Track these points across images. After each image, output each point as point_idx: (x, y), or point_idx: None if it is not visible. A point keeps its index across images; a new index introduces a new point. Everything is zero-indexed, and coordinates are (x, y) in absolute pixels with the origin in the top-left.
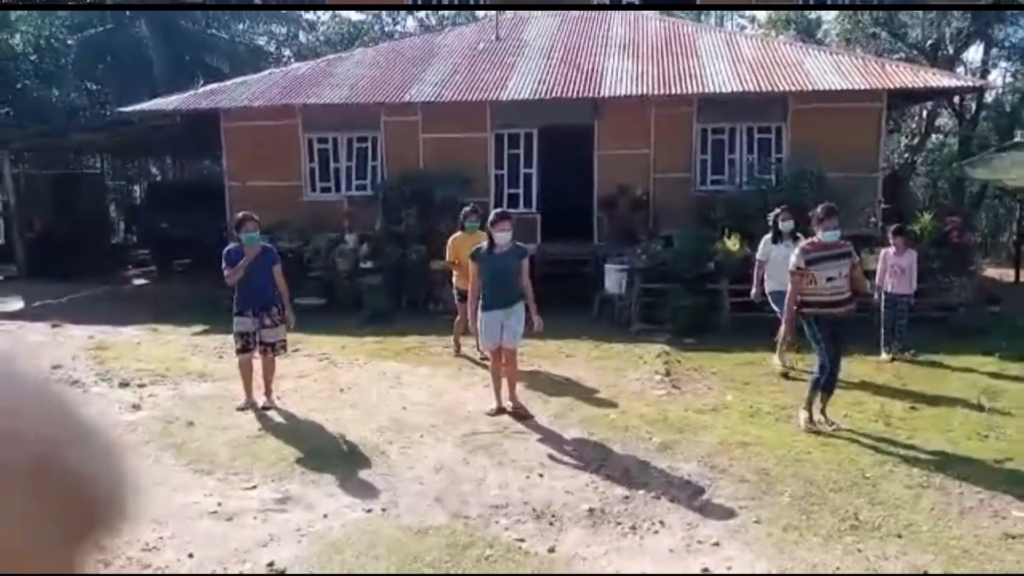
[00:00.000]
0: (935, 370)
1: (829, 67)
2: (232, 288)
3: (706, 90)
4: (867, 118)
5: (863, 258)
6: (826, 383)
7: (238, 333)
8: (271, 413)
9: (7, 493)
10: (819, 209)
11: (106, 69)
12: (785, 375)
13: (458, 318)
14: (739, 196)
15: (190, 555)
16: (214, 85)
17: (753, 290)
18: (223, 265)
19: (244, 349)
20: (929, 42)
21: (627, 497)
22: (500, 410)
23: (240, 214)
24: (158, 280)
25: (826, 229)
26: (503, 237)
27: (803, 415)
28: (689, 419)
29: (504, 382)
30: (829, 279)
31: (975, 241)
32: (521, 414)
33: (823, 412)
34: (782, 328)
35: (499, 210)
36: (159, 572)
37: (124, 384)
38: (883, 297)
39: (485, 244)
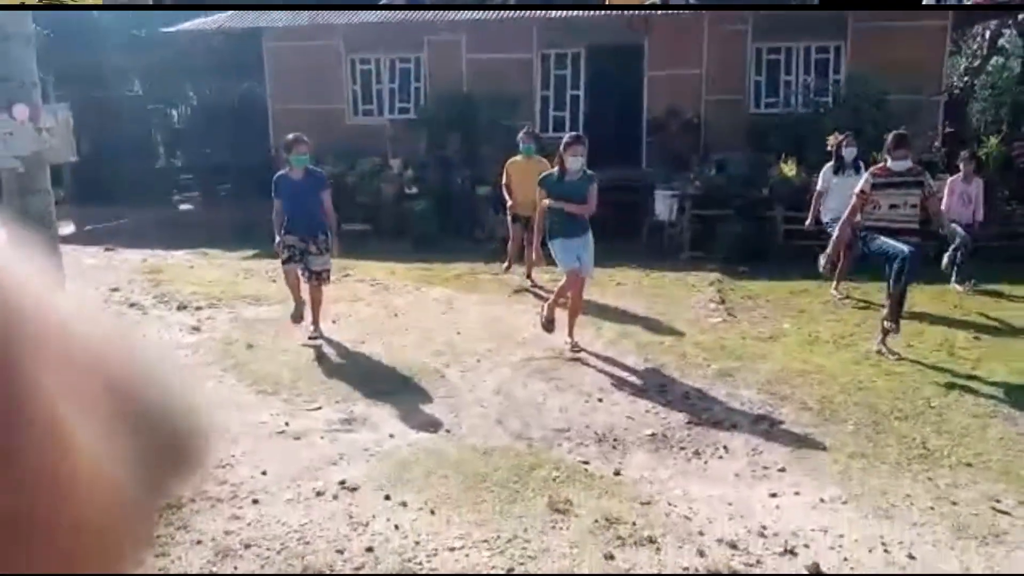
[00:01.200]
0: (998, 299)
1: None
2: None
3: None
4: (930, 37)
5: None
6: (895, 285)
7: (285, 245)
8: (329, 336)
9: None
10: (890, 137)
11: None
12: (845, 299)
13: (512, 240)
14: (795, 119)
15: (263, 472)
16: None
17: (808, 220)
18: (273, 193)
19: (289, 259)
20: None
21: (689, 423)
22: (550, 322)
23: (291, 136)
24: (202, 205)
25: (897, 158)
26: (575, 162)
27: (878, 337)
28: (747, 346)
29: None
30: (892, 206)
31: None
32: (576, 350)
33: (892, 319)
34: (825, 254)
35: (573, 133)
36: (234, 487)
37: (182, 307)
38: (953, 225)
39: (556, 171)
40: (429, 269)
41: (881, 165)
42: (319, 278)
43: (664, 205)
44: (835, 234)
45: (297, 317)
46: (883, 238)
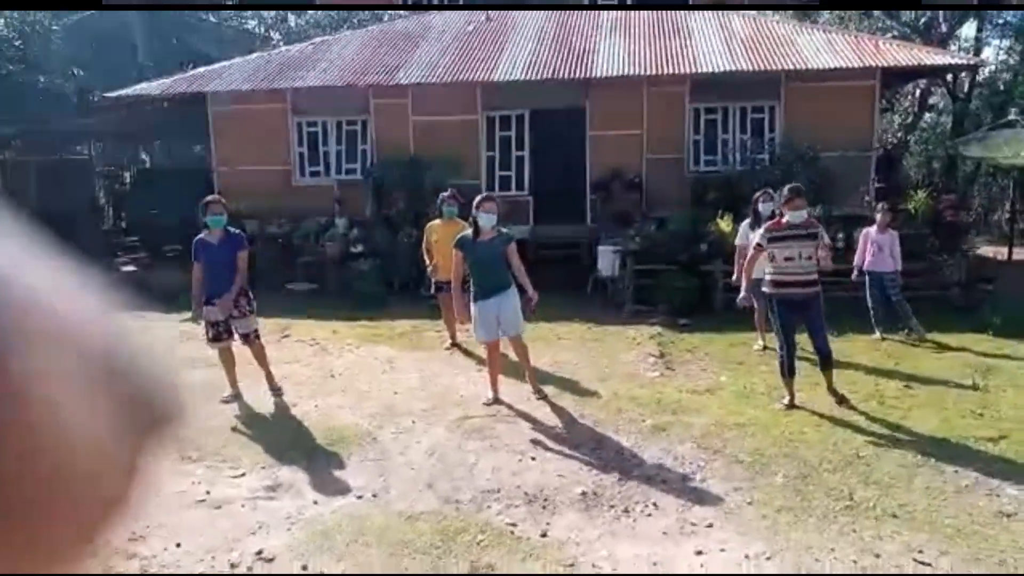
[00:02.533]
0: (928, 349)
1: (822, 45)
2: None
3: (698, 69)
4: (861, 96)
5: (856, 237)
6: (823, 362)
7: (208, 323)
8: (262, 399)
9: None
10: (785, 190)
11: (92, 54)
12: (766, 349)
13: (444, 310)
14: (732, 177)
15: (177, 544)
16: (201, 69)
17: (741, 286)
18: (193, 257)
19: (216, 338)
20: (922, 20)
21: (620, 479)
22: (496, 401)
23: (208, 197)
24: (148, 267)
25: (793, 209)
26: (488, 219)
27: (784, 399)
28: (683, 400)
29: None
30: (788, 258)
31: (969, 219)
32: (540, 396)
33: (831, 389)
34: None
35: (484, 193)
36: (146, 561)
37: None
38: (866, 276)
39: (469, 232)
40: (372, 327)
41: (776, 219)
42: (248, 340)
43: (607, 260)
44: (735, 275)
45: (229, 400)
46: (785, 321)
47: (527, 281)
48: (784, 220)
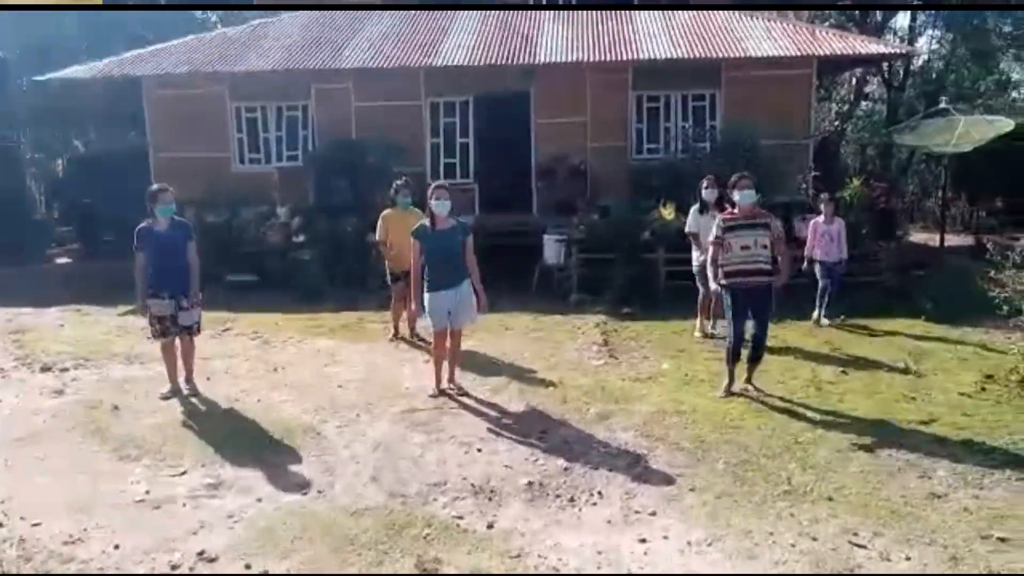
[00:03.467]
0: (863, 334)
1: (761, 33)
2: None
3: (641, 57)
4: (798, 85)
5: (795, 224)
6: (753, 353)
7: (155, 316)
8: (203, 395)
9: None
10: (734, 176)
11: (19, 35)
12: (706, 336)
13: (394, 301)
14: (674, 164)
15: (116, 546)
16: (136, 51)
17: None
18: (134, 245)
19: (163, 333)
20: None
21: (566, 469)
22: (442, 392)
23: (155, 186)
24: (83, 258)
25: (740, 189)
26: (442, 206)
27: (724, 384)
28: (626, 388)
29: (441, 365)
30: (744, 247)
31: (902, 206)
32: (459, 392)
33: (750, 381)
34: (701, 294)
35: (436, 181)
36: (83, 564)
37: (46, 368)
38: (817, 265)
39: (427, 222)
40: (316, 319)
41: (729, 211)
42: (189, 332)
43: (553, 250)
44: (710, 283)
45: (169, 396)
46: (738, 309)
47: (479, 284)
48: (735, 211)
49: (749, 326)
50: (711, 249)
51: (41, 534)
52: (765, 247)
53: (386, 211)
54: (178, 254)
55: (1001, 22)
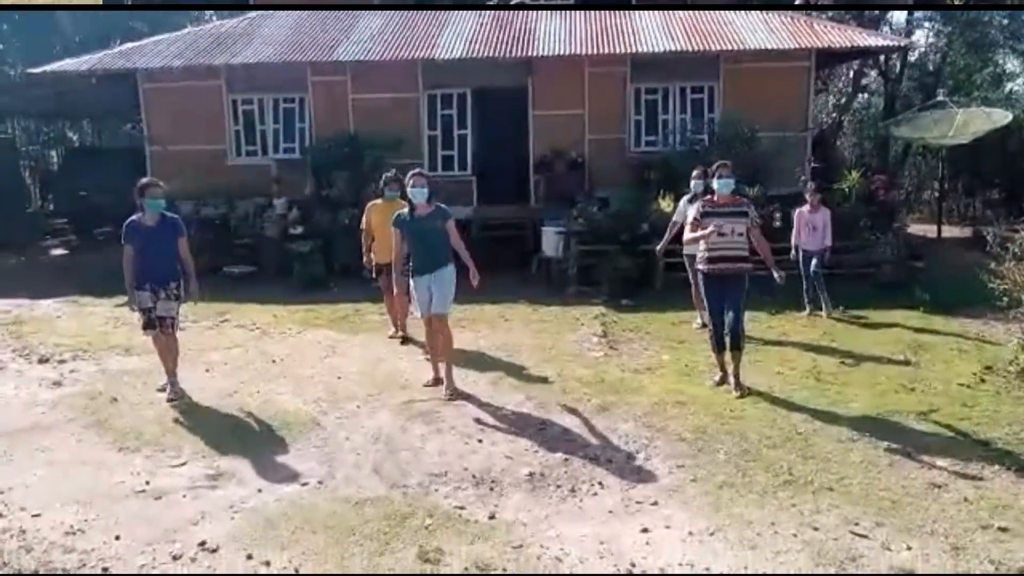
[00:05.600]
0: (862, 326)
1: (759, 26)
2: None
3: (639, 50)
4: (796, 77)
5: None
6: (732, 342)
7: (140, 309)
8: (203, 386)
9: None
10: (715, 165)
11: (12, 28)
12: (705, 327)
13: (385, 296)
14: (673, 157)
15: (116, 537)
16: (131, 44)
17: (660, 245)
18: (124, 239)
19: (149, 325)
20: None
21: (566, 460)
22: (437, 381)
23: (144, 180)
24: (78, 250)
25: (719, 178)
26: (419, 193)
27: (716, 374)
28: (626, 380)
29: (437, 353)
30: (720, 234)
31: (900, 198)
32: (456, 396)
33: (735, 375)
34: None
35: (414, 170)
36: (85, 555)
37: (44, 360)
38: (800, 254)
39: (406, 210)
40: (313, 311)
41: (710, 196)
42: (163, 323)
43: (551, 242)
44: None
45: (165, 388)
46: (711, 296)
47: (469, 260)
48: (716, 198)
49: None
50: (689, 226)
51: (42, 525)
52: (741, 235)
53: (372, 202)
54: (165, 248)
55: (998, 15)
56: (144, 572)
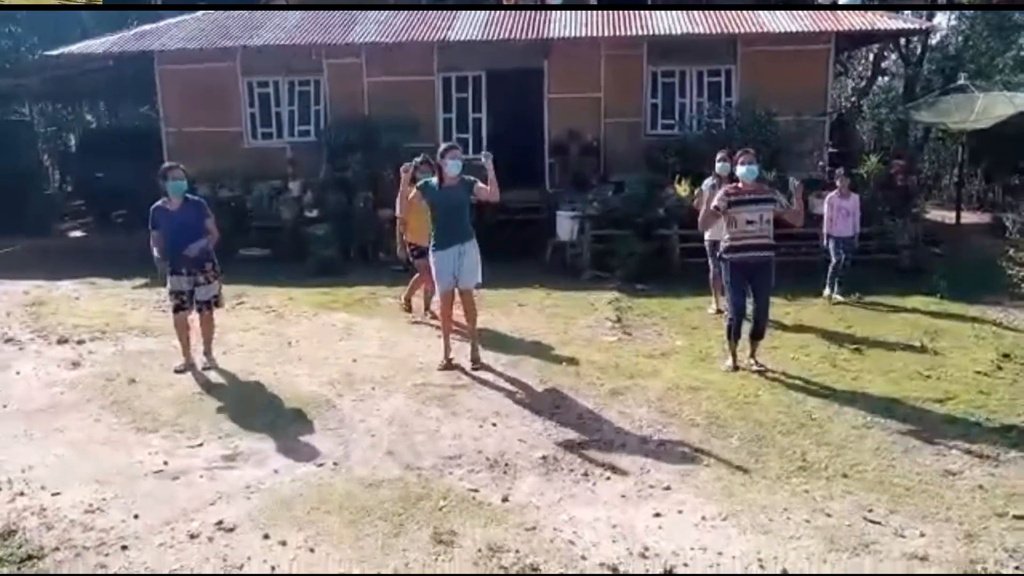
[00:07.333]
0: (879, 312)
1: (778, 9)
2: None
3: (656, 32)
4: (815, 60)
5: (811, 201)
6: (755, 331)
7: (172, 292)
8: (219, 368)
9: None
10: (738, 152)
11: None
12: (720, 312)
13: (416, 276)
14: (690, 140)
15: (135, 516)
16: (147, 26)
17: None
18: (151, 225)
19: (179, 308)
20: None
21: (580, 444)
22: (450, 364)
23: (165, 164)
24: (95, 232)
25: (742, 164)
26: (455, 166)
27: (728, 360)
28: (640, 364)
29: (451, 334)
30: (749, 222)
31: (919, 184)
32: (479, 367)
33: (753, 356)
34: (713, 271)
35: (448, 143)
36: (104, 533)
37: (63, 341)
38: (832, 240)
39: (435, 179)
40: (329, 294)
41: (735, 184)
42: (208, 307)
43: (566, 226)
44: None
45: (183, 369)
46: (737, 285)
47: (494, 181)
48: (741, 185)
49: (750, 303)
50: (712, 210)
51: (61, 503)
52: (769, 222)
53: (412, 191)
54: (193, 232)
55: None
56: (162, 550)
